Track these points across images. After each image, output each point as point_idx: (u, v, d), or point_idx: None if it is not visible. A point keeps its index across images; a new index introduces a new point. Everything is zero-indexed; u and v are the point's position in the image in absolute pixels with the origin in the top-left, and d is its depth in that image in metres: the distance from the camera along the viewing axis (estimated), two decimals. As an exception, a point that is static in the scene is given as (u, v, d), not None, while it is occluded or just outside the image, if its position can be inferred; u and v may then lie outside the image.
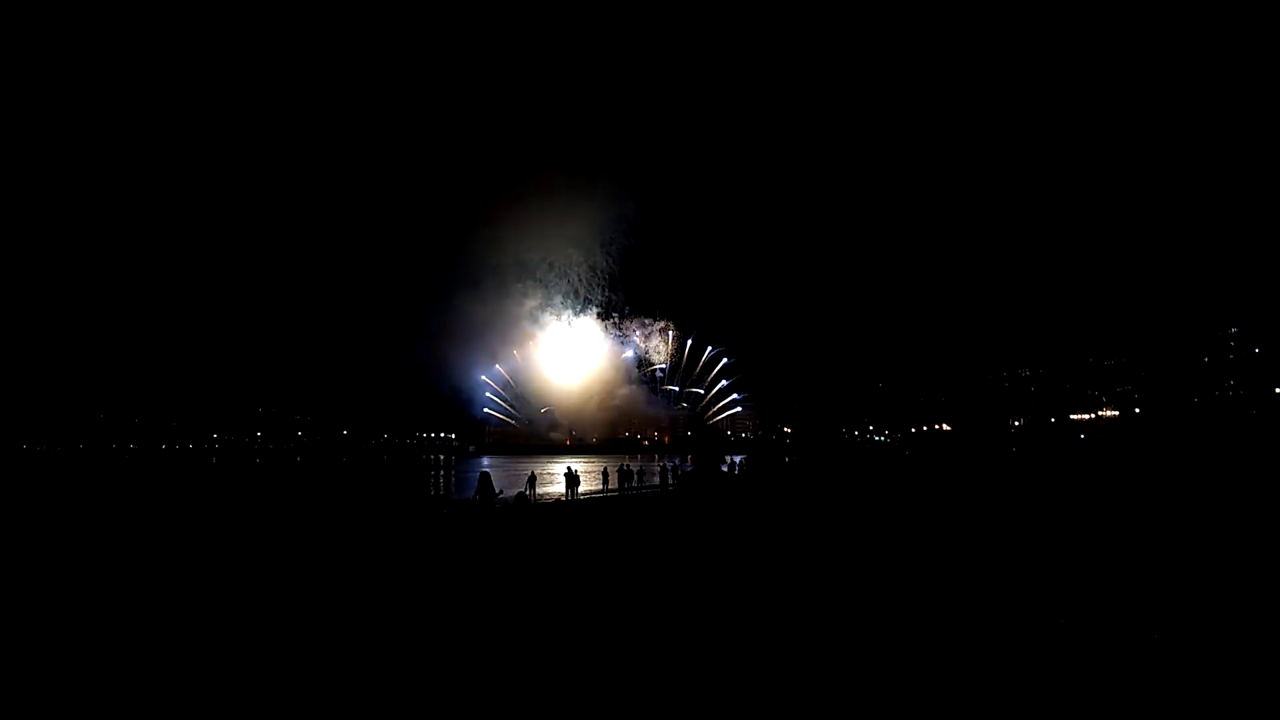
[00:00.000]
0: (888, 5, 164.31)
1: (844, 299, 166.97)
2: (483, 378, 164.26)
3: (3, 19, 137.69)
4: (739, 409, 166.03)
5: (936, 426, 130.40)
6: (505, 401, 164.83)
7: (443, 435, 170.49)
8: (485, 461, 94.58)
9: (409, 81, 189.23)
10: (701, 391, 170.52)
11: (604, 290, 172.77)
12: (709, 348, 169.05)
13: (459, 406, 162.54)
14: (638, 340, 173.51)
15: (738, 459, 51.70)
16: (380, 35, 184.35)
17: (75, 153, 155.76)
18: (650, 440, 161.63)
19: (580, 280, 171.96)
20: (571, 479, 31.87)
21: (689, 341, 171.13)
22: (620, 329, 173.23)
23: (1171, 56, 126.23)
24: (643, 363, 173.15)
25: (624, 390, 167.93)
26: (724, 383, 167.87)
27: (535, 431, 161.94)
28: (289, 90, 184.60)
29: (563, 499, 30.17)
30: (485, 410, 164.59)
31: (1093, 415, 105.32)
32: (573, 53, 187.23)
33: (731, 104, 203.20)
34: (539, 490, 32.42)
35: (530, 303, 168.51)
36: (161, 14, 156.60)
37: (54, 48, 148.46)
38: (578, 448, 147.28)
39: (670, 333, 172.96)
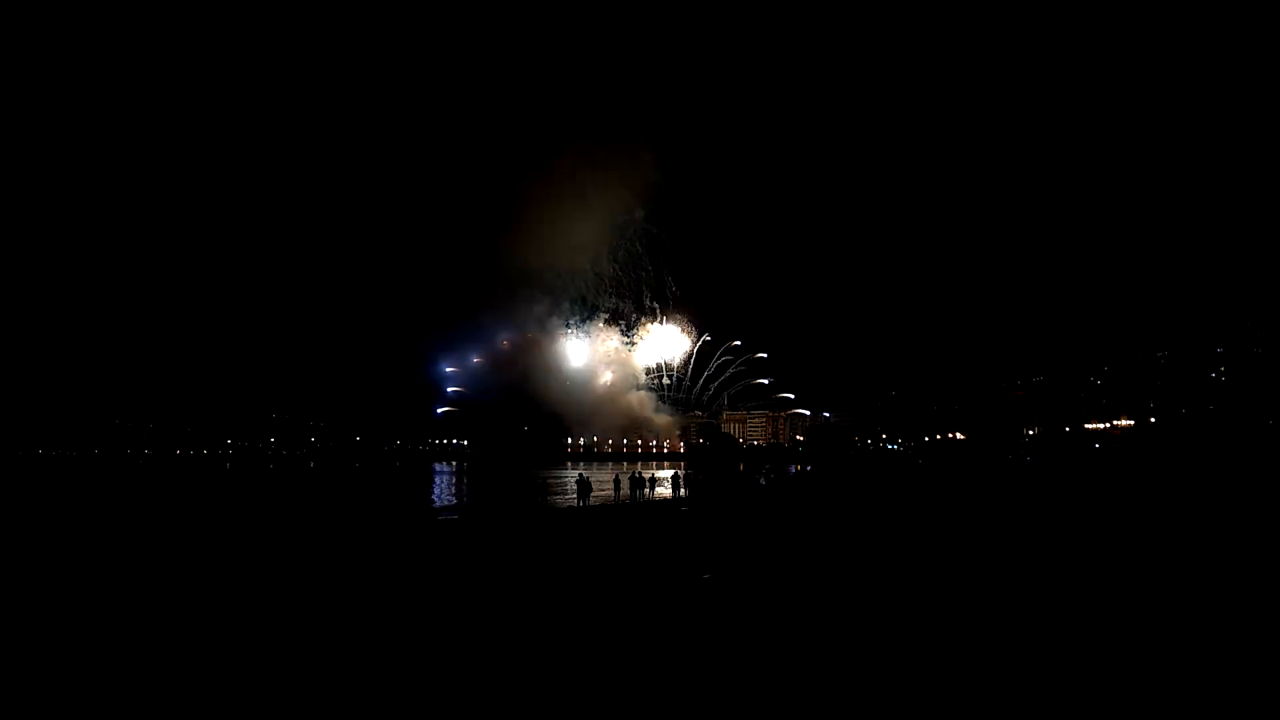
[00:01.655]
0: (912, 13, 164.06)
1: (858, 308, 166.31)
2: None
3: (3, 19, 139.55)
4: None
5: (950, 435, 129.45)
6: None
7: (454, 441, 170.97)
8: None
9: (421, 92, 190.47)
10: (709, 398, 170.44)
11: (612, 296, 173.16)
12: (725, 347, 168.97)
13: (469, 411, 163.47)
14: (647, 346, 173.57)
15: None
16: (386, 42, 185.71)
17: (105, 162, 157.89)
18: (663, 448, 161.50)
19: (588, 286, 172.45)
20: (583, 486, 31.88)
21: (697, 347, 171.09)
22: (629, 335, 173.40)
23: (1184, 58, 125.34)
24: (651, 369, 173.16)
25: (633, 396, 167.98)
26: (742, 382, 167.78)
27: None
28: (305, 103, 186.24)
29: (575, 506, 30.21)
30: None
31: (1108, 424, 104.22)
32: (581, 53, 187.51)
33: (744, 114, 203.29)
34: (552, 498, 32.47)
35: (538, 308, 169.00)
36: (171, 17, 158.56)
37: (76, 51, 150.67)
38: (590, 455, 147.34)
39: (681, 338, 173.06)
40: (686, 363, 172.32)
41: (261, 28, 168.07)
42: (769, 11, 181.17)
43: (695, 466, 74.32)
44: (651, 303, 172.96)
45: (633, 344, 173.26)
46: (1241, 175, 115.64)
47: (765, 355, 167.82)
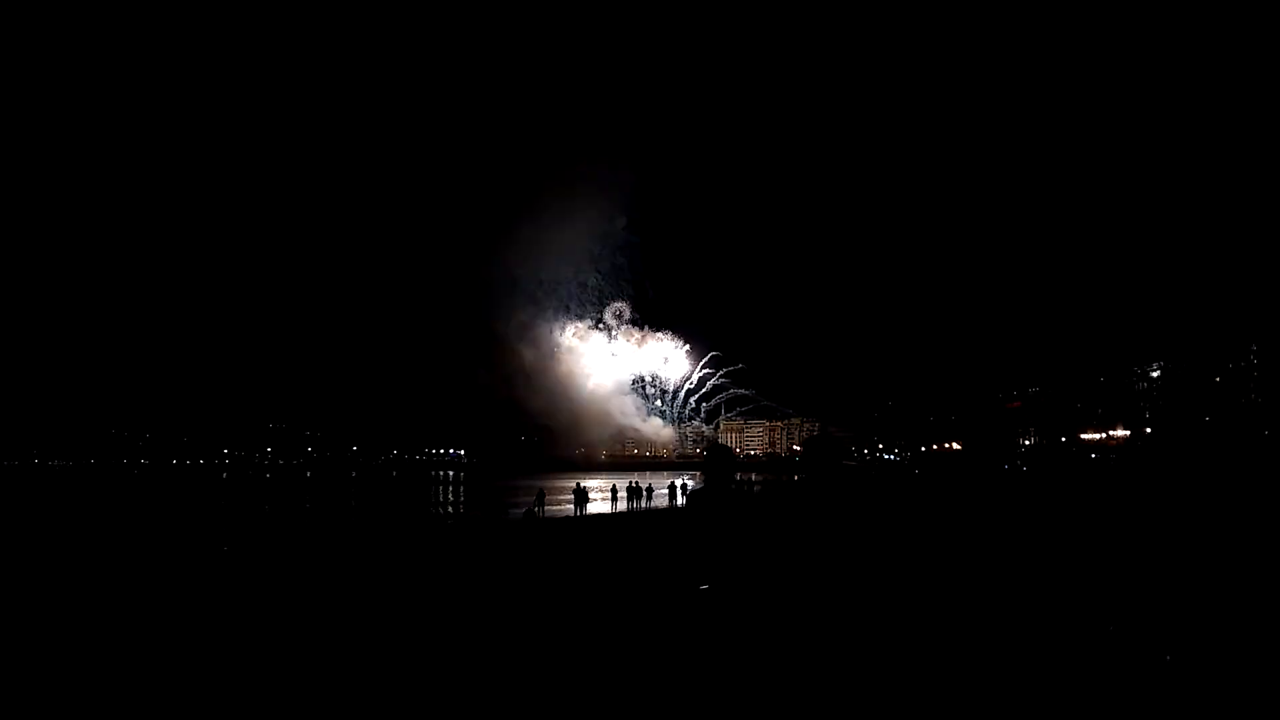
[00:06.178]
0: (903, 18, 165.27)
1: (854, 317, 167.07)
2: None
3: (2, 19, 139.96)
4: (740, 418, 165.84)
5: (946, 445, 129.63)
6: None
7: (451, 451, 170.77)
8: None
9: (411, 108, 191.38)
10: (707, 406, 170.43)
11: (601, 305, 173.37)
12: (710, 356, 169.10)
13: (464, 421, 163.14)
14: (639, 355, 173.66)
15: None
16: (377, 55, 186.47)
17: (105, 172, 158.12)
18: (659, 455, 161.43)
19: (572, 295, 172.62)
20: (580, 496, 31.94)
21: (686, 352, 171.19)
22: (614, 344, 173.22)
23: (1181, 69, 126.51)
24: (642, 377, 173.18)
25: (621, 404, 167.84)
26: (726, 394, 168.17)
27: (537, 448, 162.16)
28: (301, 119, 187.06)
29: (572, 516, 30.26)
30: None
31: (1104, 434, 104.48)
32: (568, 60, 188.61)
33: (740, 123, 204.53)
34: (548, 508, 32.48)
35: (523, 317, 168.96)
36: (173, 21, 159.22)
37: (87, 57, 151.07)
38: (584, 464, 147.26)
39: (677, 348, 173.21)
40: (686, 376, 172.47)
41: (259, 37, 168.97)
42: (756, 18, 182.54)
43: (694, 476, 74.33)
44: (634, 312, 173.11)
45: (616, 354, 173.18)
46: (1237, 186, 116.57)
47: (752, 365, 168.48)
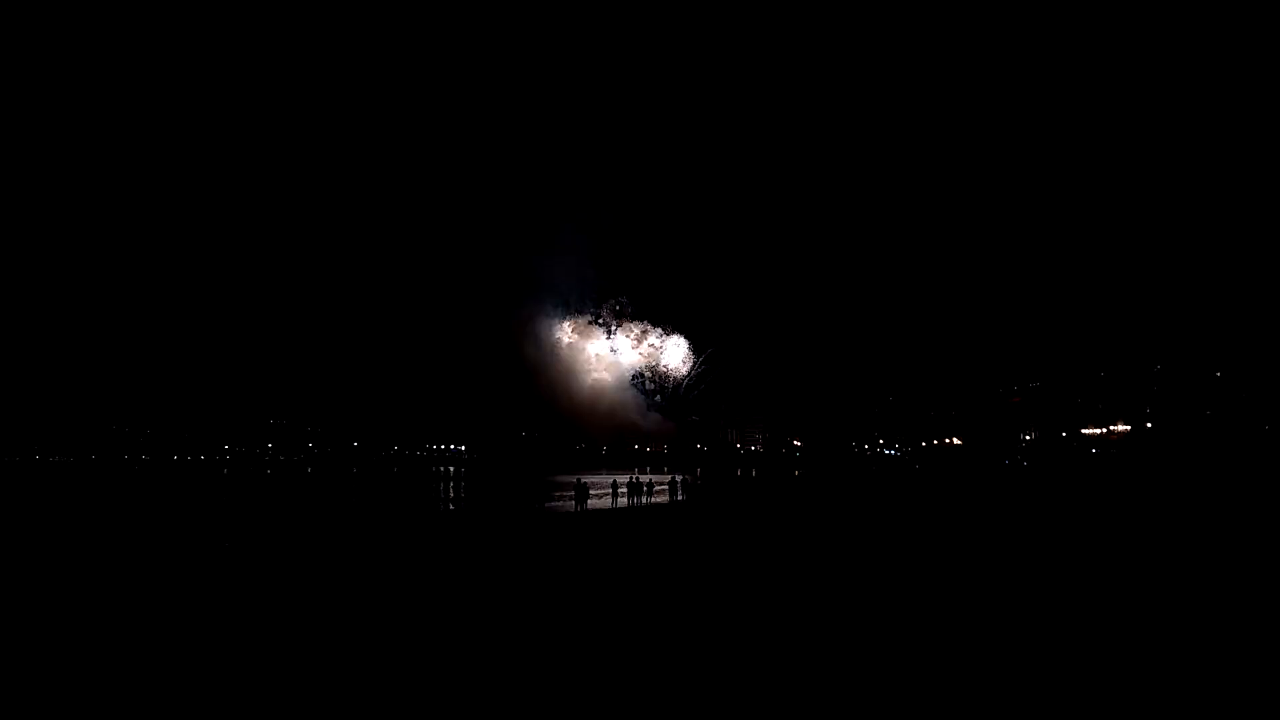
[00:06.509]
0: (908, 11, 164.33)
1: (854, 312, 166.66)
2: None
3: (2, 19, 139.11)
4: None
5: (947, 440, 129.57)
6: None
7: (452, 447, 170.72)
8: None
9: (413, 97, 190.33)
10: (706, 402, 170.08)
11: (596, 296, 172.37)
12: (708, 353, 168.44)
13: (465, 417, 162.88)
14: (638, 347, 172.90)
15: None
16: (376, 48, 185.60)
17: (101, 165, 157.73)
18: (659, 452, 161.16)
19: (573, 291, 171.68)
20: (581, 492, 31.93)
21: (686, 346, 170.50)
22: (613, 338, 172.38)
23: (1178, 56, 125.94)
24: (641, 372, 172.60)
25: (621, 399, 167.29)
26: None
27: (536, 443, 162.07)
28: (301, 108, 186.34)
29: (573, 512, 30.25)
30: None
31: (1104, 430, 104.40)
32: (564, 55, 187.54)
33: (739, 115, 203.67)
34: (549, 504, 32.46)
35: (522, 311, 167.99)
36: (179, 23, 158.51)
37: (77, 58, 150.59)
38: (584, 460, 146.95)
39: (676, 340, 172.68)
40: (686, 372, 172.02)
41: (258, 33, 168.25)
42: (753, 12, 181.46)
43: (695, 471, 74.37)
44: (633, 307, 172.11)
45: (616, 350, 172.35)
46: (1239, 182, 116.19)
47: (752, 361, 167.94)
